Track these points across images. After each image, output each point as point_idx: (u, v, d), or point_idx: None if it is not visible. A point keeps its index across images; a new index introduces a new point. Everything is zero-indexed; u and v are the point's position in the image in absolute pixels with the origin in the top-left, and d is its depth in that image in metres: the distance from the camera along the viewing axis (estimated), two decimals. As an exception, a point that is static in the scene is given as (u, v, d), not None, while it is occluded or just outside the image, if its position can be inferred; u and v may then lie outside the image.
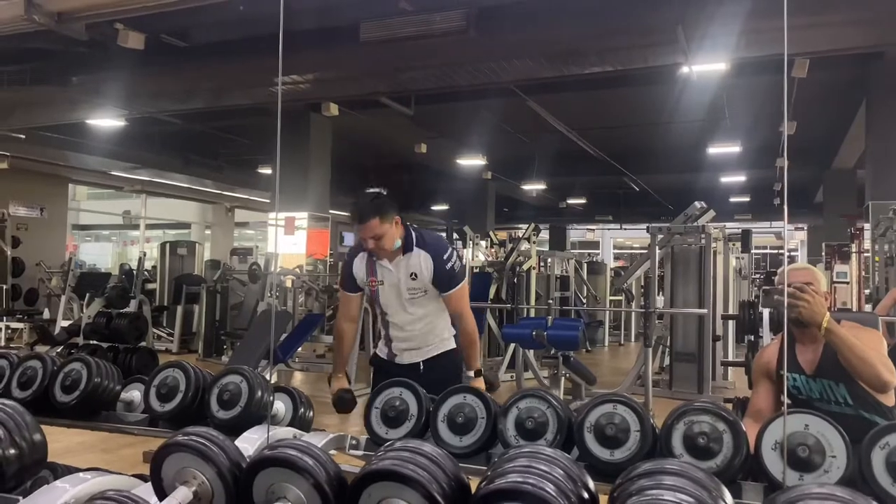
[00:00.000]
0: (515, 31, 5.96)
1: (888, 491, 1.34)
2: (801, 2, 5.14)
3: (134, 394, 2.27)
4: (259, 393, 1.95)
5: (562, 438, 1.61)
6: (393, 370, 3.10)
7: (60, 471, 1.85)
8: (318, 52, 6.71)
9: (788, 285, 2.25)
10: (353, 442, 1.85)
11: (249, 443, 1.83)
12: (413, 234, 3.08)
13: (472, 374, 3.15)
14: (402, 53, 6.28)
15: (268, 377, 5.89)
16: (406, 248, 3.05)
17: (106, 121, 9.60)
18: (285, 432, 1.90)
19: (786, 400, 1.48)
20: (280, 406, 2.10)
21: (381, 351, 3.26)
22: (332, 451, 1.90)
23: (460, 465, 1.68)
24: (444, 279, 3.04)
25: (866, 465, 1.38)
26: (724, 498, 1.07)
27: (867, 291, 8.98)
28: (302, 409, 2.12)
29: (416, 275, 3.03)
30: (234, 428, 1.91)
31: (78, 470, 1.84)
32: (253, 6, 5.03)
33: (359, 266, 3.14)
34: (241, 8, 4.90)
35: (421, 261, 3.03)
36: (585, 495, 1.08)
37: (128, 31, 6.14)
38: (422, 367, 3.11)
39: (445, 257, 3.04)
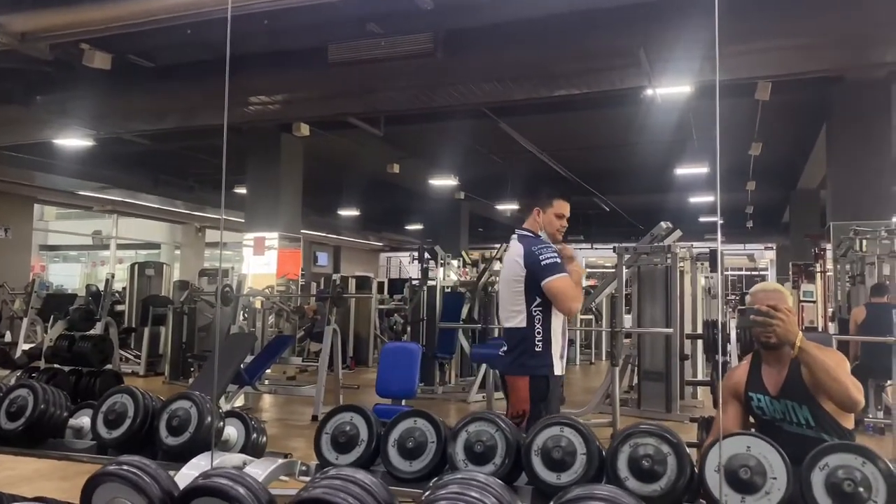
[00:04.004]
0: (482, 54, 6.03)
1: (827, 511, 1.35)
2: (762, 27, 5.28)
3: (83, 420, 2.22)
4: (209, 419, 1.92)
5: (510, 462, 1.61)
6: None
7: (6, 500, 1.80)
8: (287, 72, 6.73)
9: (759, 306, 2.28)
10: (303, 468, 1.82)
11: (196, 469, 1.80)
12: None
13: None
14: (371, 75, 6.31)
15: (233, 400, 5.81)
16: None
17: (73, 141, 9.49)
18: (235, 459, 1.88)
19: (720, 426, 1.49)
20: (231, 432, 2.07)
21: (557, 367, 3.10)
22: (284, 478, 1.88)
23: (411, 490, 1.69)
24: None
25: (806, 487, 1.39)
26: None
27: (831, 310, 9.12)
28: (254, 435, 2.10)
29: None
30: (183, 454, 1.89)
31: (23, 499, 1.80)
32: (216, 27, 5.02)
33: None
34: (189, 31, 4.90)
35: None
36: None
37: (94, 52, 6.09)
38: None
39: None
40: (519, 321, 3.07)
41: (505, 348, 3.16)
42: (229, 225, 17.22)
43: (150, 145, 11.14)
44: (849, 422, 2.29)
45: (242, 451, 2.02)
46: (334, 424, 1.79)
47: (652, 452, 1.49)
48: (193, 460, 1.83)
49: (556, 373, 3.08)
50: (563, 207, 3.28)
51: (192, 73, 6.89)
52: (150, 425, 1.96)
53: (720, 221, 17.15)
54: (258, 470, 1.79)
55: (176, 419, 1.92)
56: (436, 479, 1.36)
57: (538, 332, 3.05)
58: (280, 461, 1.78)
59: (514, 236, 3.26)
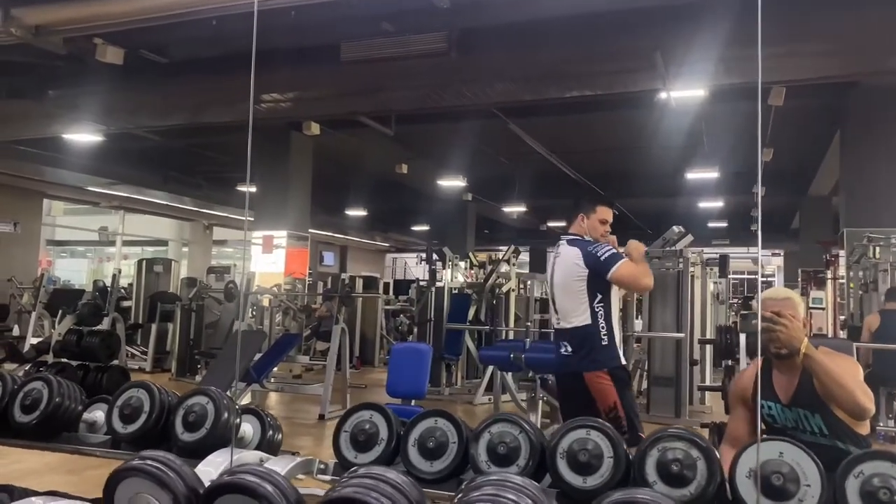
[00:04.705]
0: (496, 54, 5.99)
1: (863, 520, 1.32)
2: (777, 31, 5.23)
3: (97, 414, 2.20)
4: (225, 415, 1.90)
5: (534, 464, 1.58)
6: None
7: (17, 494, 1.78)
8: (299, 70, 6.70)
9: (765, 311, 2.24)
10: (322, 466, 1.80)
11: (213, 466, 1.78)
12: None
13: None
14: (384, 74, 6.29)
15: (241, 397, 5.79)
16: None
17: (83, 136, 9.49)
18: (251, 456, 1.85)
19: (760, 426, 1.46)
20: (247, 428, 2.04)
21: (622, 358, 3.35)
22: (301, 476, 1.85)
23: (431, 490, 1.66)
24: None
25: (840, 494, 1.36)
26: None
27: (842, 317, 9.06)
28: (270, 432, 2.07)
29: None
30: (199, 451, 1.86)
31: (34, 493, 1.78)
32: (231, 23, 5.01)
33: None
34: (214, 23, 4.87)
35: None
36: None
37: (106, 46, 6.08)
38: None
39: None
40: (583, 319, 3.27)
41: (568, 349, 3.32)
42: (238, 223, 17.26)
43: (159, 141, 11.15)
44: (864, 428, 2.24)
45: (258, 448, 1.99)
46: (354, 422, 1.76)
47: (681, 457, 1.46)
48: (210, 457, 1.80)
49: (622, 362, 3.32)
50: (607, 213, 3.49)
51: (204, 70, 6.88)
52: (165, 420, 1.93)
53: (758, 229, 16.93)
54: (276, 468, 1.76)
55: (192, 415, 1.89)
56: (466, 480, 1.33)
57: (602, 328, 3.26)
58: (299, 459, 1.76)
59: (563, 242, 3.46)
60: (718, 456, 1.46)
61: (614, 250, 3.28)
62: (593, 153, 12.39)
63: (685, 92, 6.48)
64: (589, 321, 3.27)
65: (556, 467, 1.53)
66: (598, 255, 3.24)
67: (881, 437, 6.37)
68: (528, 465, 1.58)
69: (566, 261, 3.35)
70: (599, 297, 3.26)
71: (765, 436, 2.42)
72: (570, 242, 3.40)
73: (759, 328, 2.23)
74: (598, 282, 3.25)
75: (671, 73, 5.43)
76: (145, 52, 6.93)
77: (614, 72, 5.76)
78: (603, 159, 13.03)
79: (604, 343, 3.25)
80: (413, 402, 4.14)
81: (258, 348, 5.59)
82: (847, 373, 2.19)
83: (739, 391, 2.50)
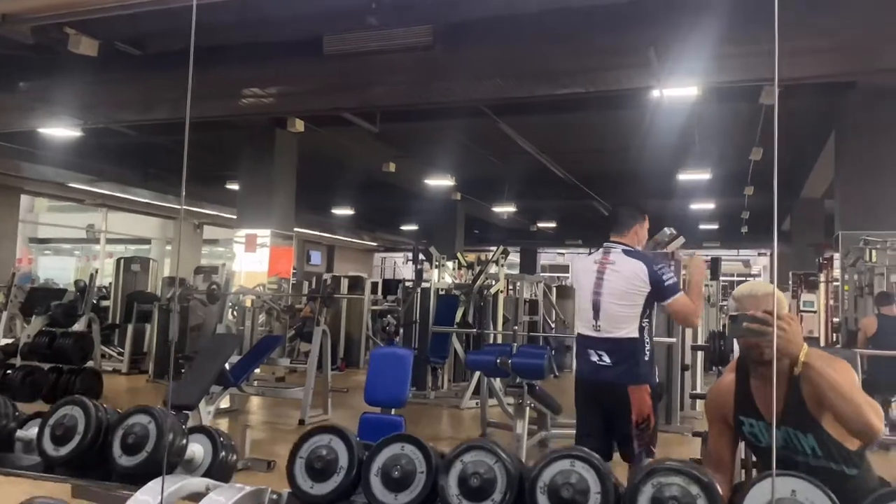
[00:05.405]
0: (484, 49, 5.81)
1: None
2: (772, 29, 5.06)
3: (34, 431, 2.00)
4: (170, 436, 1.70)
5: (511, 498, 1.39)
6: None
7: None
8: (280, 64, 6.51)
9: (753, 312, 1.96)
10: (274, 497, 1.60)
11: (151, 495, 1.59)
12: None
13: None
14: (368, 69, 6.10)
15: (217, 401, 5.58)
16: None
17: (60, 130, 9.23)
18: (196, 484, 1.65)
19: (774, 458, 1.26)
20: (197, 450, 1.84)
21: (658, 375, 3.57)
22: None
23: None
24: None
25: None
26: None
27: (836, 320, 8.92)
28: (223, 453, 1.87)
29: None
30: (139, 476, 1.67)
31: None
32: (211, 14, 4.80)
33: None
34: (193, 10, 4.65)
35: None
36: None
37: (79, 36, 5.85)
38: None
39: None
40: (631, 332, 3.33)
41: (605, 359, 3.34)
42: (223, 221, 16.98)
43: (138, 137, 10.88)
44: (853, 444, 2.00)
45: (209, 471, 1.80)
46: (310, 448, 1.57)
47: (678, 494, 1.27)
48: (150, 484, 1.61)
49: (657, 380, 3.50)
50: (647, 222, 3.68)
51: (182, 63, 6.64)
52: (103, 442, 1.73)
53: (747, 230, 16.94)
54: (221, 498, 1.57)
55: (132, 436, 1.70)
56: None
57: (646, 343, 3.37)
58: (247, 490, 1.56)
59: (616, 249, 3.47)
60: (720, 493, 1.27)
61: (676, 279, 3.45)
62: (584, 154, 12.24)
63: (678, 90, 6.31)
64: (636, 335, 3.33)
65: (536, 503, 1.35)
66: (664, 278, 3.32)
67: (875, 444, 6.19)
68: (505, 500, 1.39)
69: (628, 272, 3.38)
70: (648, 312, 3.37)
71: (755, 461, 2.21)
72: (630, 254, 3.44)
73: (746, 328, 1.92)
74: (652, 301, 3.36)
75: (665, 70, 5.26)
76: (120, 44, 6.71)
77: (606, 68, 5.58)
78: (594, 160, 12.88)
79: (646, 358, 3.36)
80: (393, 411, 3.94)
81: (231, 352, 5.38)
82: (852, 385, 1.95)
83: (717, 406, 2.26)
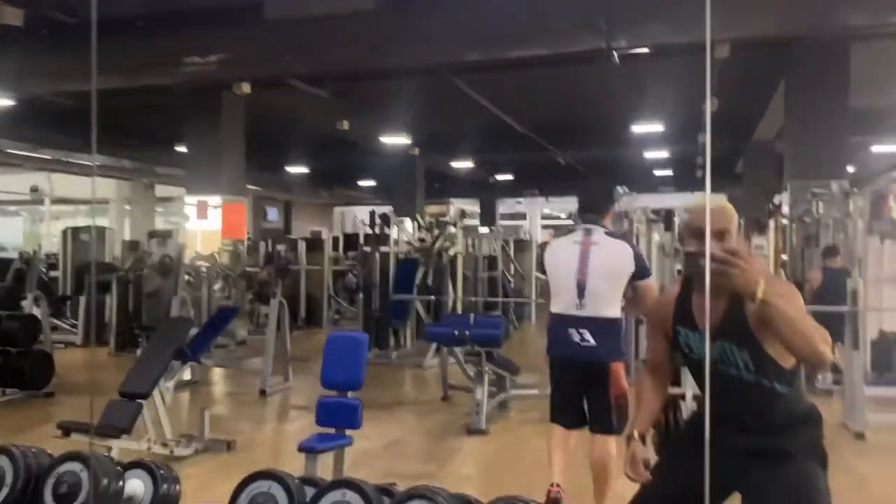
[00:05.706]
0: (434, 13, 5.64)
1: None
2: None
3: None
4: (105, 481, 1.66)
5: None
6: None
7: None
8: (221, 31, 6.24)
9: (706, 233, 1.85)
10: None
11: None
12: None
13: None
14: (312, 33, 5.88)
15: (178, 375, 5.50)
16: None
17: (-8, 100, 8.79)
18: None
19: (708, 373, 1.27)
20: (136, 487, 1.80)
21: None
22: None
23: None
24: None
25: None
26: None
27: (784, 257, 9.09)
28: (165, 486, 1.84)
29: None
30: (75, 524, 1.63)
31: None
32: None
33: None
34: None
35: None
36: None
37: (2, 7, 5.52)
38: None
39: None
40: (614, 312, 3.46)
41: (587, 338, 3.39)
42: (175, 181, 16.49)
43: (79, 104, 10.42)
44: (788, 362, 2.01)
45: (151, 506, 1.76)
46: (249, 497, 1.54)
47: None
48: (85, 535, 1.57)
49: None
50: None
51: (117, 30, 6.33)
52: (33, 490, 1.68)
53: (702, 174, 17.10)
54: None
55: (64, 485, 1.65)
56: None
57: (623, 321, 3.56)
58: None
59: (597, 230, 3.51)
60: None
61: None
62: (539, 107, 12.14)
63: (629, 50, 6.24)
64: (618, 314, 3.48)
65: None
66: (644, 261, 3.57)
67: (817, 383, 6.30)
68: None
69: (614, 254, 3.47)
70: (625, 292, 3.52)
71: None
72: (613, 236, 3.59)
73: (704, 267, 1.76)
74: (630, 282, 3.49)
75: (615, 34, 5.18)
76: (53, 11, 6.36)
77: (556, 32, 5.47)
78: (549, 112, 12.78)
79: (623, 334, 3.56)
80: (349, 394, 3.92)
81: (185, 337, 5.29)
82: (803, 314, 1.94)
83: (658, 315, 2.31)
